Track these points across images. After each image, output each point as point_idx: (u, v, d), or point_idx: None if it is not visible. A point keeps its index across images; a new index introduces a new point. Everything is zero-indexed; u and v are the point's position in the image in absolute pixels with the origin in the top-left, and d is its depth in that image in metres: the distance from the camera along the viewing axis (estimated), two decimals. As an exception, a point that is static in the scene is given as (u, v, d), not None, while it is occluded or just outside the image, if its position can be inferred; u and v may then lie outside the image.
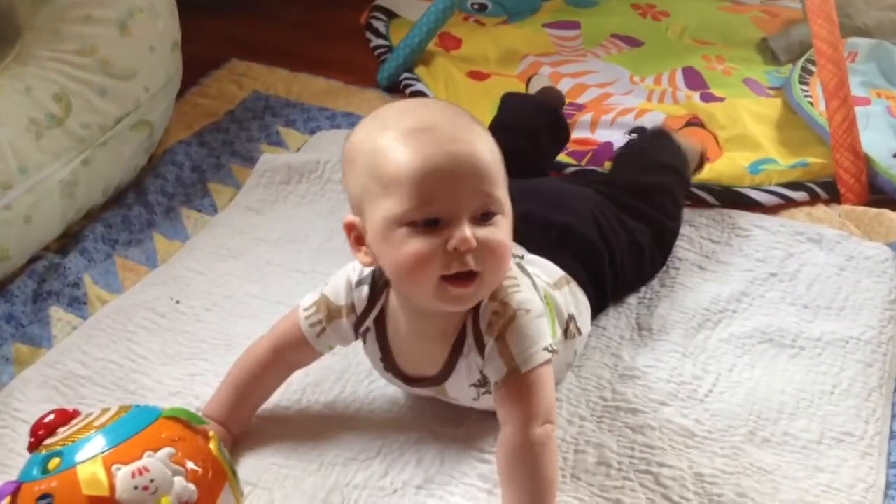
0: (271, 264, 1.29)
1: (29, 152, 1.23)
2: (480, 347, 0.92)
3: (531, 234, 1.09)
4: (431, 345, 0.95)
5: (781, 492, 0.96)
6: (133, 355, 1.12)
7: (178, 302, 1.21)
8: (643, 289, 1.23)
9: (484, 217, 0.85)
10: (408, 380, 0.99)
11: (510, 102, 1.47)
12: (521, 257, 1.06)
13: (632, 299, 1.21)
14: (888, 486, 0.99)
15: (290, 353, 1.01)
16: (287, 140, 1.59)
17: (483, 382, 0.95)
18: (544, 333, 0.91)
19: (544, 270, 1.06)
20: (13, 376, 1.10)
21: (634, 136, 1.50)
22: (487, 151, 0.87)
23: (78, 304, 1.21)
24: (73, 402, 1.05)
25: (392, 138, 0.85)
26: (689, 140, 1.42)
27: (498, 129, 1.36)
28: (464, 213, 0.84)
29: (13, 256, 1.24)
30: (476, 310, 0.92)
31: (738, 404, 1.06)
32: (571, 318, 1.05)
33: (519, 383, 0.89)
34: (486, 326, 0.91)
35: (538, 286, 0.99)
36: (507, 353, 0.89)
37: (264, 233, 1.35)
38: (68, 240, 1.32)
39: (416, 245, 0.84)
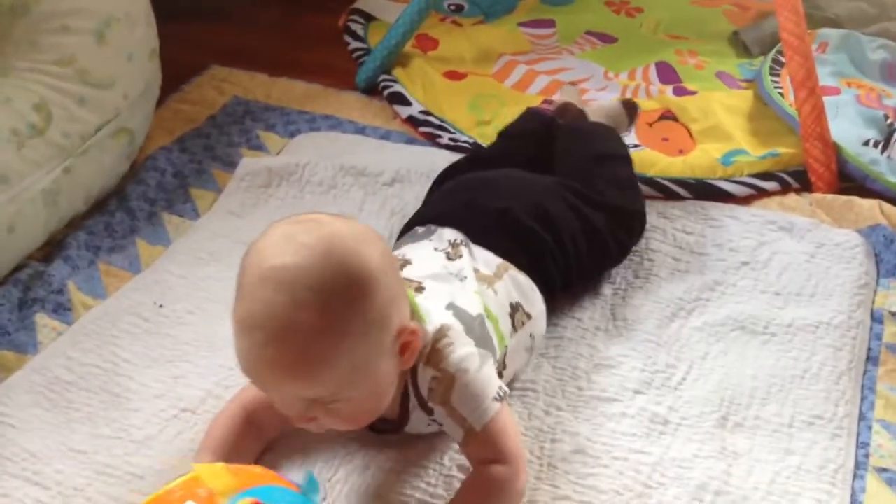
0: (253, 266, 1.30)
1: (10, 162, 1.24)
2: (426, 409, 0.93)
3: (471, 221, 1.12)
4: None
5: (753, 474, 0.99)
6: (118, 359, 1.14)
7: (161, 306, 1.22)
8: (618, 280, 1.25)
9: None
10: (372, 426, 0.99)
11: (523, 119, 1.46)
12: (460, 254, 1.07)
13: (607, 290, 1.24)
14: (857, 466, 1.01)
15: (260, 413, 0.98)
16: (267, 143, 1.60)
17: (439, 423, 0.96)
18: (490, 383, 0.92)
19: (484, 262, 1.08)
20: (0, 383, 1.11)
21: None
22: (313, 356, 0.82)
23: (63, 311, 1.22)
24: (59, 406, 1.07)
25: (235, 318, 0.85)
26: (608, 103, 1.49)
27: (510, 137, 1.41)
28: (293, 411, 0.87)
29: (-3, 266, 1.25)
30: (413, 369, 0.92)
31: (710, 391, 1.09)
32: (517, 306, 1.06)
33: (479, 439, 0.91)
34: (428, 393, 0.92)
35: (474, 313, 0.98)
36: (457, 417, 0.91)
37: (245, 236, 1.34)
38: (52, 248, 1.34)
39: None
